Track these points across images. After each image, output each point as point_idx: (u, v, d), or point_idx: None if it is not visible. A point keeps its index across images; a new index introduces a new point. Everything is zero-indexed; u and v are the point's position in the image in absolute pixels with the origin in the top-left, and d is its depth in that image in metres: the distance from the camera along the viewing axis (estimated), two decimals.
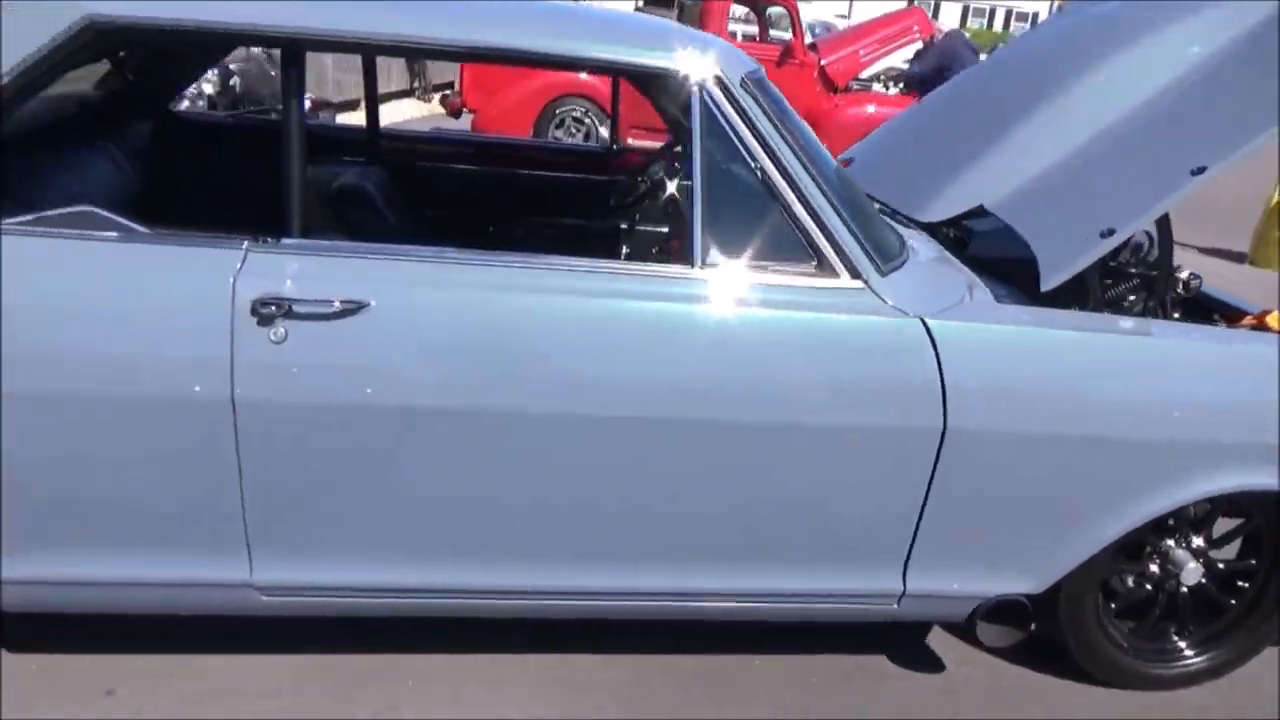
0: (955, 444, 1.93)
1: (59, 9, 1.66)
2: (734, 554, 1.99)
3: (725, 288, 1.87)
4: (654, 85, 1.89)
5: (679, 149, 3.12)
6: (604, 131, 8.60)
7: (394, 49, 1.82)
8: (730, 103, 1.85)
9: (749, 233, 1.93)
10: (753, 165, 1.87)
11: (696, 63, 1.85)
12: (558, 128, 8.50)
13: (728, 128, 1.86)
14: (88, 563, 1.83)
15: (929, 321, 1.92)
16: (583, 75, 8.45)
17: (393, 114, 10.87)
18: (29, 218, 1.71)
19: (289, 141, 1.79)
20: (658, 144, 3.25)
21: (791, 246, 1.91)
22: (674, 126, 2.07)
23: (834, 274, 1.91)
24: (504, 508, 1.88)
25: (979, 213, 2.48)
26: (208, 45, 1.80)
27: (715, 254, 1.88)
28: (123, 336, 1.69)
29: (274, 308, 1.70)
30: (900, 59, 9.53)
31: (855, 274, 1.92)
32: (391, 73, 11.71)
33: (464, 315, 1.77)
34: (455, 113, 8.58)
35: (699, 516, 1.94)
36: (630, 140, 8.43)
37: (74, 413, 1.71)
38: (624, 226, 3.17)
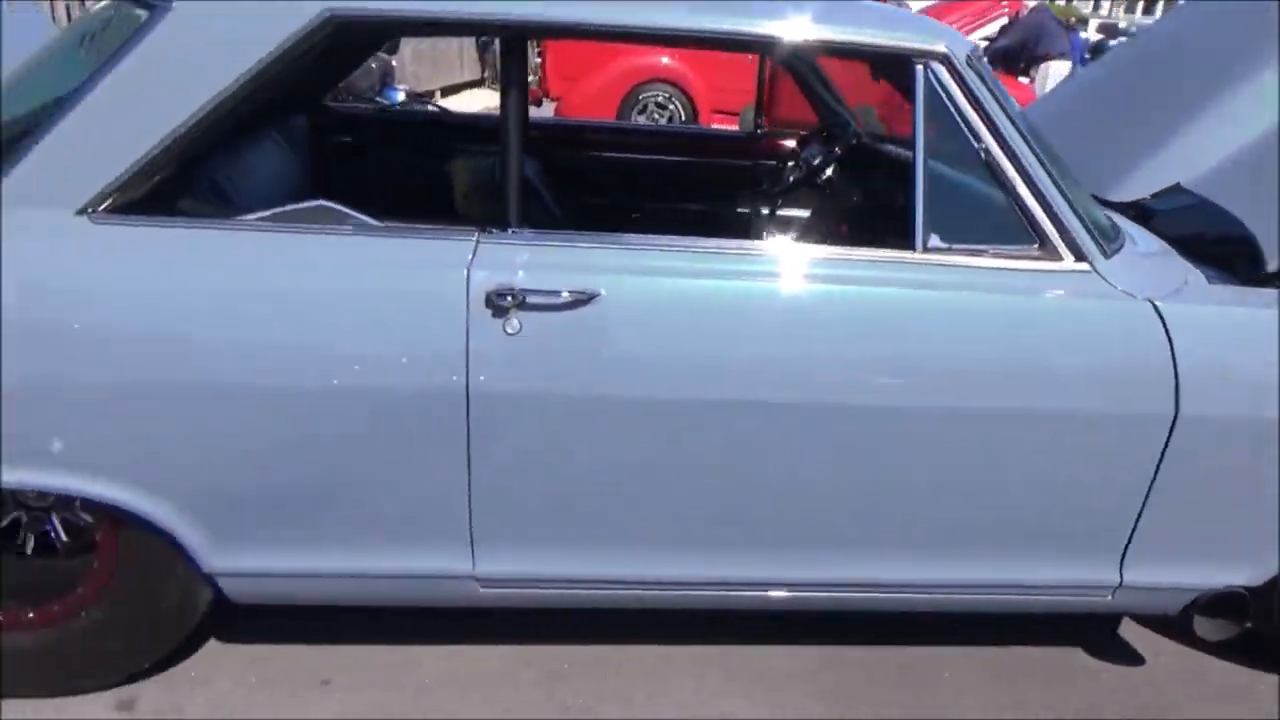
0: (1185, 431, 1.87)
1: (298, 7, 1.66)
2: (954, 544, 1.95)
3: (948, 272, 1.83)
4: (884, 65, 1.85)
5: (827, 134, 3.08)
6: (683, 115, 8.56)
7: (643, 36, 1.82)
8: (957, 82, 1.80)
9: (969, 215, 1.88)
10: (976, 145, 1.82)
11: (924, 43, 1.80)
12: (640, 113, 8.46)
13: (953, 107, 1.81)
14: (315, 556, 1.85)
15: (1159, 305, 1.86)
16: (664, 60, 8.41)
17: (466, 103, 10.93)
18: (267, 214, 1.73)
19: (508, 133, 1.78)
20: (801, 129, 3.19)
21: (1011, 229, 1.86)
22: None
23: (1057, 257, 1.86)
24: (731, 499, 1.86)
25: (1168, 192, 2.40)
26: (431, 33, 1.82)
27: (935, 238, 1.84)
28: (359, 330, 1.70)
29: (509, 299, 1.69)
30: (986, 33, 9.33)
31: (1080, 256, 1.86)
32: (464, 61, 11.77)
33: (693, 304, 1.75)
34: (536, 101, 8.59)
35: (923, 506, 1.90)
36: (714, 124, 8.39)
37: (308, 406, 1.72)
38: (783, 211, 3.14)
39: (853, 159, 2.85)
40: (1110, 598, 2.05)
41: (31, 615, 1.89)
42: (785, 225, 3.12)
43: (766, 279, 1.78)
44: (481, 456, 1.77)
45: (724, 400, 1.76)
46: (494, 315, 1.70)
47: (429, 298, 1.70)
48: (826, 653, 2.24)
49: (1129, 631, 2.40)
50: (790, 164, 3.10)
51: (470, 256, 1.72)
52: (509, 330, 1.70)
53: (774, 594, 1.99)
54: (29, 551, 1.94)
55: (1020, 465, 1.88)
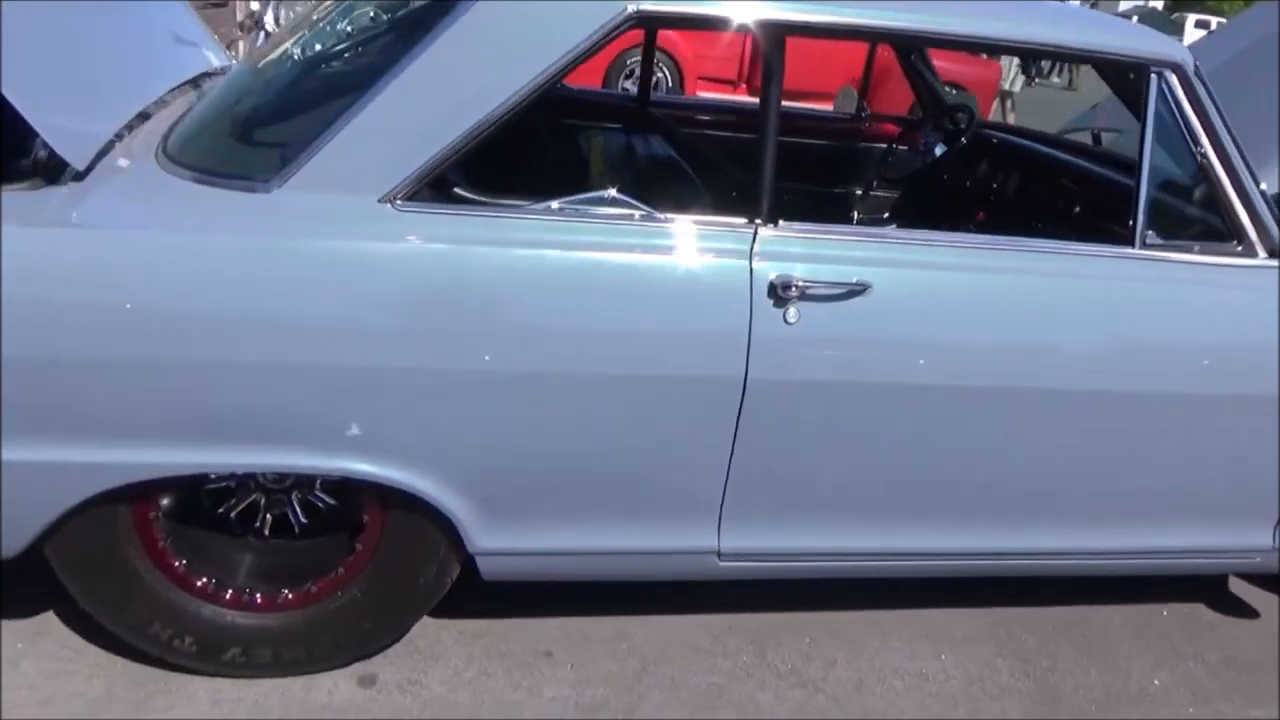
0: None
1: (610, 6, 1.70)
2: (1138, 515, 2.13)
3: (1163, 267, 1.98)
4: (1118, 71, 1.97)
5: (936, 121, 3.21)
6: (670, 83, 8.58)
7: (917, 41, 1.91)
8: (1186, 91, 1.94)
9: (1180, 214, 2.04)
10: (1194, 149, 1.97)
11: (1159, 52, 1.93)
12: (627, 79, 8.44)
13: (1179, 114, 1.95)
14: (572, 535, 1.90)
15: None
16: None
17: None
18: (561, 202, 1.76)
19: (766, 123, 1.84)
20: (901, 114, 3.31)
21: (1214, 227, 2.02)
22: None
23: (1254, 254, 2.02)
24: (957, 474, 1.98)
25: None
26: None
27: (1152, 234, 1.98)
28: (645, 317, 1.75)
29: (790, 289, 1.77)
30: None
31: (1273, 253, 2.03)
32: None
33: (959, 296, 1.86)
34: None
35: (1121, 481, 2.06)
36: (700, 93, 8.44)
37: (588, 390, 1.77)
38: (885, 193, 3.25)
39: (974, 147, 2.99)
40: (1259, 560, 2.27)
41: (290, 596, 1.90)
42: (899, 208, 3.24)
43: (1013, 274, 1.90)
44: (746, 439, 1.85)
45: (976, 387, 1.88)
46: (775, 305, 1.78)
47: (716, 287, 1.77)
48: (995, 614, 2.41)
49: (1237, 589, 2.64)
50: (899, 148, 3.22)
51: (750, 248, 1.79)
52: (789, 320, 1.78)
53: (968, 562, 2.14)
54: (267, 534, 1.95)
55: (1208, 443, 2.06)
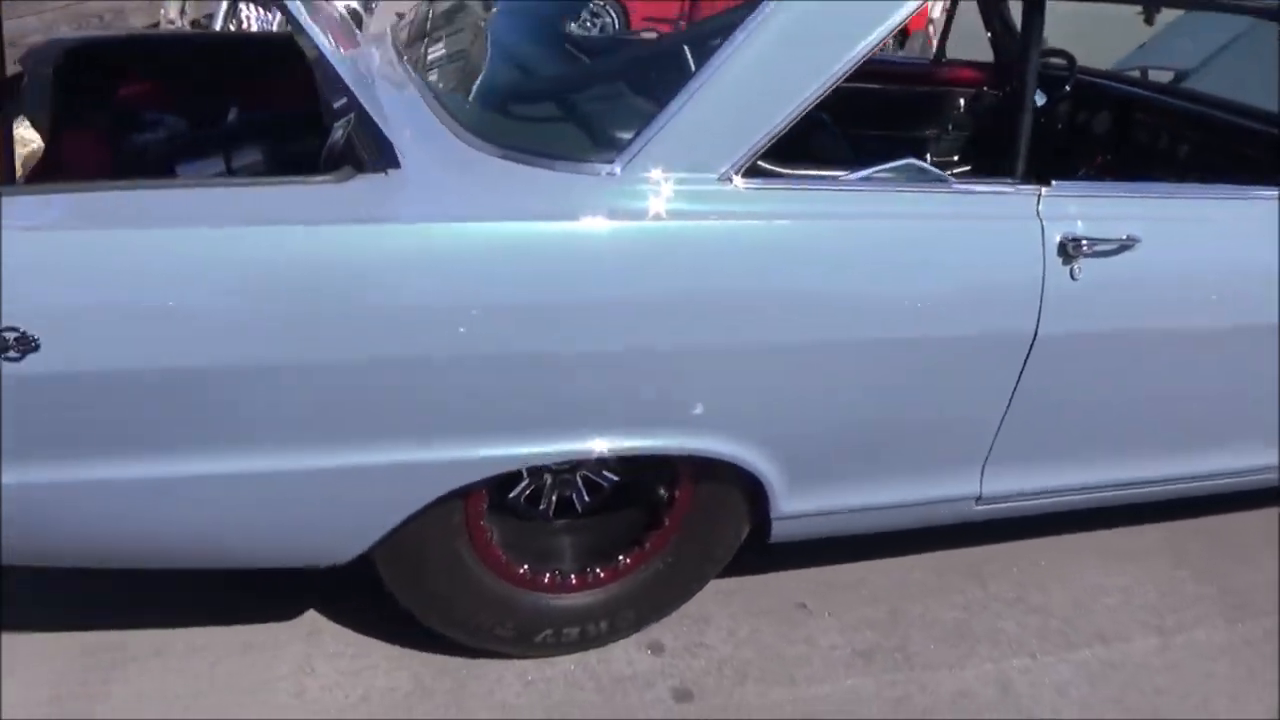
0: None
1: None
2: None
3: None
4: None
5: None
6: (616, 24, 8.45)
7: None
8: None
9: None
10: None
11: None
12: (574, 21, 8.25)
13: None
14: (855, 493, 1.98)
15: None
16: None
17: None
18: (866, 172, 1.79)
19: (1025, 84, 1.92)
20: (979, 60, 3.40)
21: None
22: None
23: None
24: (1179, 410, 2.16)
25: None
26: None
27: None
28: (945, 279, 1.83)
29: (1077, 246, 1.87)
30: None
31: None
32: None
33: (1215, 243, 2.01)
34: None
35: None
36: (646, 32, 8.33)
37: (890, 352, 1.83)
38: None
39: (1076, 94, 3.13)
40: None
41: (601, 574, 1.92)
42: (986, 154, 3.36)
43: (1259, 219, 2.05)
44: (1024, 391, 1.96)
45: (1226, 327, 2.04)
46: (1064, 262, 1.88)
47: (1012, 248, 1.85)
48: (1153, 531, 2.63)
49: None
50: (987, 91, 3.33)
51: (1036, 208, 1.87)
52: (1075, 275, 1.89)
53: (1170, 487, 2.34)
54: (551, 514, 1.95)
55: None
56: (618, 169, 1.62)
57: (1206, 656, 2.21)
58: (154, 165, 2.24)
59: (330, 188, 1.55)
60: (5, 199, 1.40)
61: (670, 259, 1.63)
